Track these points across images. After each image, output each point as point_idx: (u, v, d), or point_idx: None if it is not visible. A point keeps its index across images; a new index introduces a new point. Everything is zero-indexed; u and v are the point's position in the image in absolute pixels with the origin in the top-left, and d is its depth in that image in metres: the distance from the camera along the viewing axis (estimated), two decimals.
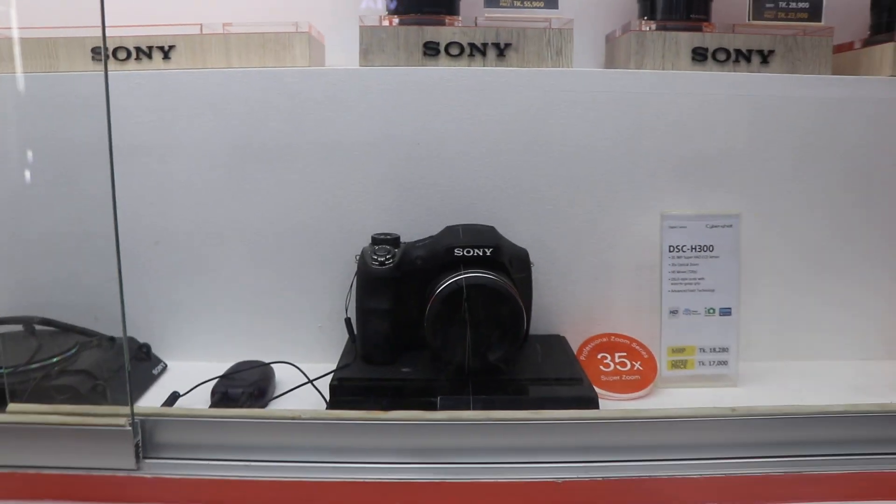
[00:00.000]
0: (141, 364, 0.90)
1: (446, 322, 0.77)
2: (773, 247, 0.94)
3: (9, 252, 0.93)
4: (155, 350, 0.93)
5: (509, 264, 0.82)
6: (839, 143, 0.93)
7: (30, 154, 0.91)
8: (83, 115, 0.90)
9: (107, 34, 0.90)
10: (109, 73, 0.90)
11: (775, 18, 0.95)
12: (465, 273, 0.77)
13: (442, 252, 0.81)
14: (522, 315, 0.77)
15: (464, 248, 0.81)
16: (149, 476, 0.67)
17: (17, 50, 0.93)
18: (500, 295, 0.76)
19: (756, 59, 0.94)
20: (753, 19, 0.95)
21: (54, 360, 0.83)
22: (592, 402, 0.76)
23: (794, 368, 0.93)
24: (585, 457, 0.68)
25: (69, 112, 0.90)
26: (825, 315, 0.95)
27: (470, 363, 0.77)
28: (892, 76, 0.93)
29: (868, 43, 0.99)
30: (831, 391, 0.87)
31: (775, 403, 0.78)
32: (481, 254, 0.81)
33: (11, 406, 0.72)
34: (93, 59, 0.92)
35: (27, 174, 0.91)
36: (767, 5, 0.95)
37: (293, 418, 0.69)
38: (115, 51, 0.92)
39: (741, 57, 0.94)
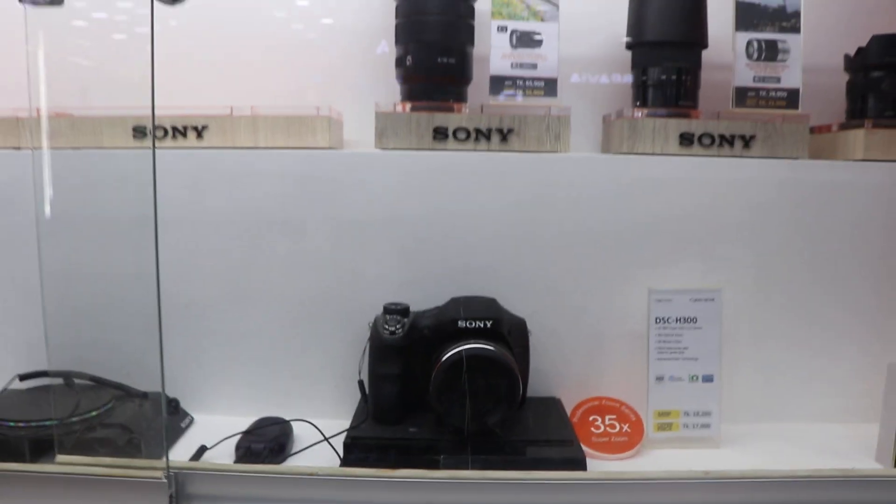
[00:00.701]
0: (170, 417, 0.98)
1: (449, 389, 0.85)
2: (755, 317, 1.02)
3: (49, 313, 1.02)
4: (183, 404, 1.01)
5: (508, 334, 0.90)
6: (814, 222, 1.01)
7: (78, 223, 1.00)
8: (123, 189, 0.99)
9: (146, 115, 1.00)
10: (148, 151, 1.01)
11: (756, 106, 1.04)
12: (466, 344, 0.86)
13: (447, 323, 0.90)
14: (519, 384, 0.85)
15: (467, 320, 0.89)
16: None
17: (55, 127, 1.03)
18: (499, 365, 0.84)
19: (738, 144, 1.02)
20: (736, 107, 1.03)
21: (93, 413, 0.91)
22: (580, 464, 0.84)
23: (774, 431, 1.00)
24: None
25: (111, 185, 1.00)
26: (804, 381, 1.02)
27: (470, 426, 0.84)
28: (862, 160, 1.01)
29: (843, 127, 1.07)
30: (808, 453, 0.94)
31: (754, 464, 0.87)
32: (482, 326, 0.89)
33: (60, 457, 0.80)
34: (133, 136, 1.01)
35: (74, 242, 1.00)
36: (749, 94, 1.03)
37: (310, 474, 0.77)
38: (153, 129, 1.01)
39: (725, 141, 1.02)
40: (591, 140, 1.14)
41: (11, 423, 0.88)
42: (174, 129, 1.01)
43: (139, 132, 1.01)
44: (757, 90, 1.03)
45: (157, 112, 1.01)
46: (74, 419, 0.90)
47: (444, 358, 0.85)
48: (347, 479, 0.77)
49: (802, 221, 1.02)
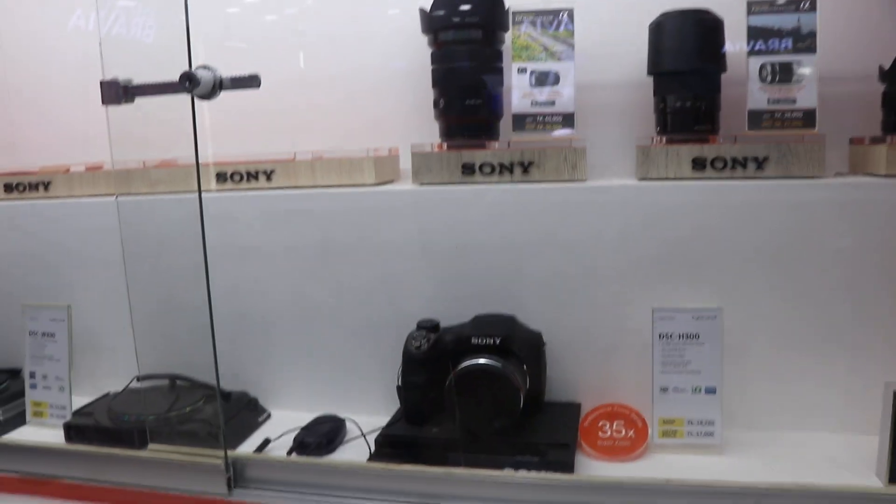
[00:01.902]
0: (250, 413, 1.19)
1: (459, 397, 0.99)
2: (765, 331, 1.07)
3: (164, 330, 1.25)
4: (262, 402, 1.22)
5: (518, 349, 1.03)
6: (825, 241, 1.04)
7: (172, 255, 1.22)
8: (212, 226, 1.20)
9: (224, 161, 1.20)
10: (228, 193, 1.21)
11: (772, 128, 1.08)
12: (476, 359, 0.99)
13: (464, 339, 1.03)
14: (518, 394, 0.98)
15: (479, 337, 1.02)
16: (236, 500, 0.95)
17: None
18: (499, 378, 0.98)
19: (752, 165, 1.07)
20: (751, 129, 1.08)
21: (187, 409, 1.13)
22: (568, 467, 0.95)
23: (778, 439, 1.05)
24: None
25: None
26: (808, 391, 1.06)
27: (476, 430, 0.98)
28: (886, 175, 1.03)
29: (874, 140, 1.09)
30: (808, 463, 0.99)
31: (754, 471, 0.95)
32: (492, 342, 1.02)
33: (151, 445, 1.02)
34: (217, 181, 1.22)
35: (168, 271, 1.22)
36: (764, 116, 1.08)
37: (335, 466, 0.95)
38: (231, 174, 1.22)
39: (737, 164, 1.08)
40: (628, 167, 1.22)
41: (125, 417, 1.12)
42: (248, 173, 1.21)
43: (221, 177, 1.21)
44: (772, 112, 1.07)
45: (234, 160, 1.22)
46: (172, 413, 1.12)
47: (454, 371, 0.99)
48: (365, 472, 0.93)
49: (815, 240, 1.05)
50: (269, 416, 1.22)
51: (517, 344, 1.03)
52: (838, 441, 1.04)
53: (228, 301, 1.15)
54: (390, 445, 1.03)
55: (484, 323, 1.05)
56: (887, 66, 1.09)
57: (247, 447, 1.11)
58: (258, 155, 1.21)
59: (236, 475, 0.97)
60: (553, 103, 1.13)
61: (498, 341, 1.02)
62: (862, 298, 1.04)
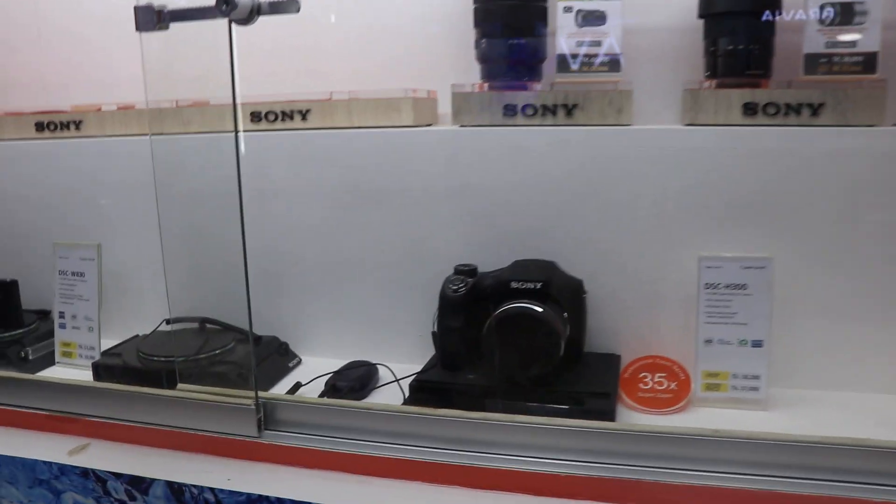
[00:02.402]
0: (280, 358, 1.17)
1: (498, 342, 0.96)
2: (812, 283, 1.03)
3: (194, 273, 1.23)
4: (293, 347, 1.20)
5: (559, 294, 1.00)
6: (882, 192, 1.00)
7: (205, 197, 1.20)
8: (245, 166, 1.17)
9: (260, 100, 1.18)
10: (262, 133, 1.18)
11: (829, 73, 1.03)
12: (514, 303, 0.96)
13: (503, 283, 1.00)
14: (559, 341, 0.94)
15: (520, 281, 0.99)
16: (266, 443, 0.93)
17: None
18: (540, 322, 0.94)
19: (806, 112, 1.03)
20: (806, 74, 1.03)
21: (217, 351, 1.11)
22: (609, 415, 0.92)
23: (825, 398, 1.02)
24: (587, 458, 0.84)
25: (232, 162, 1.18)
26: (858, 349, 1.03)
27: (514, 376, 0.95)
28: None
29: None
30: (857, 422, 0.96)
31: (798, 428, 0.90)
32: (533, 287, 0.98)
33: (180, 385, 1.00)
34: (251, 120, 1.19)
35: (200, 212, 1.20)
36: (821, 60, 1.03)
37: (368, 409, 0.92)
38: (266, 114, 1.18)
39: (791, 110, 1.03)
40: (669, 111, 1.17)
41: (154, 358, 1.10)
42: (283, 113, 1.18)
43: (255, 117, 1.18)
44: (829, 56, 1.02)
45: (269, 100, 1.19)
46: (202, 356, 1.10)
47: (493, 314, 0.96)
48: (401, 415, 0.91)
49: (873, 193, 1.01)
50: (299, 361, 1.20)
51: (558, 290, 1.00)
52: (886, 402, 1.00)
53: (260, 244, 1.12)
54: (425, 391, 1.01)
55: (524, 267, 1.02)
56: None
57: (277, 391, 1.09)
58: (293, 95, 1.18)
59: (266, 417, 0.94)
60: (599, 44, 1.08)
61: (539, 286, 0.98)
62: None
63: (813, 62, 1.03)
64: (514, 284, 0.99)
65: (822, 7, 1.02)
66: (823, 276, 1.03)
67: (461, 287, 1.03)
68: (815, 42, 1.03)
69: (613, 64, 1.08)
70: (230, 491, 0.86)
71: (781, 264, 0.99)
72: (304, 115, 1.18)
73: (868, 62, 1.02)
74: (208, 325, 1.18)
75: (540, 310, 0.95)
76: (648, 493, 0.82)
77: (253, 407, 0.93)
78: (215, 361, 1.09)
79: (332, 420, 0.93)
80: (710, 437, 0.82)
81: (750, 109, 1.04)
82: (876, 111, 1.01)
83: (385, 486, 0.87)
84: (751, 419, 0.98)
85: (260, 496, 0.85)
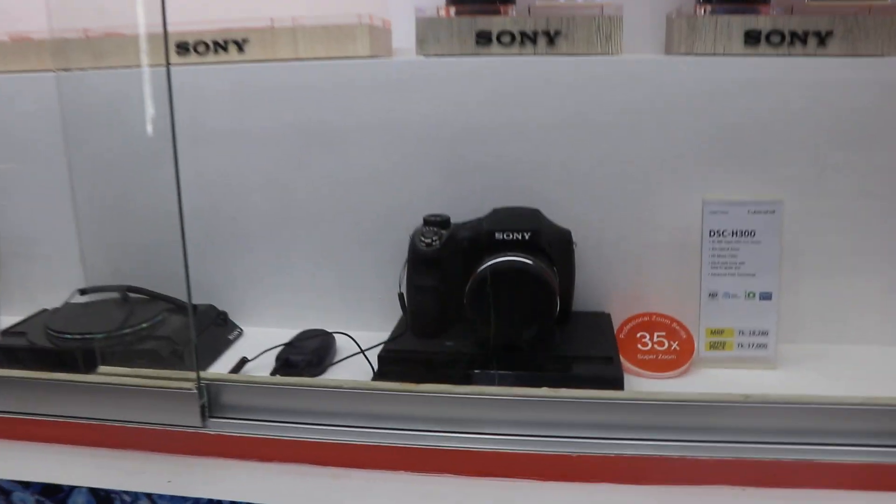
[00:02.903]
0: (219, 329, 1.01)
1: (483, 302, 0.82)
2: (820, 231, 0.94)
3: (113, 234, 1.05)
4: (232, 317, 1.04)
5: (548, 246, 0.87)
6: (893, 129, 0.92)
7: (125, 143, 1.02)
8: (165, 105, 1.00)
9: (187, 30, 1.00)
10: (192, 66, 1.01)
11: None
12: (502, 256, 0.83)
13: (485, 235, 0.87)
14: (555, 298, 0.82)
15: (504, 231, 0.86)
16: (212, 433, 0.77)
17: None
18: (533, 278, 0.81)
19: (813, 42, 0.93)
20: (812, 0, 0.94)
21: (144, 325, 0.94)
22: (617, 382, 0.80)
23: (835, 352, 0.94)
24: (601, 433, 0.72)
25: (158, 101, 1.01)
26: (869, 300, 0.95)
27: (500, 341, 0.82)
28: None
29: None
30: (870, 377, 0.88)
31: (811, 387, 0.82)
32: (520, 237, 0.85)
33: (102, 368, 0.83)
34: (177, 53, 1.01)
35: (120, 161, 1.02)
36: None
37: (336, 387, 0.77)
38: (195, 45, 1.01)
39: (796, 39, 0.93)
40: (655, 41, 1.06)
41: (68, 336, 0.92)
42: (216, 43, 1.01)
43: (182, 48, 1.00)
44: None
45: (198, 27, 1.01)
46: (126, 331, 0.93)
47: (479, 270, 0.83)
48: (370, 393, 0.76)
49: (886, 127, 0.92)
50: (240, 333, 1.04)
51: (547, 240, 0.87)
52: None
53: (191, 198, 0.94)
54: (397, 362, 0.87)
55: (507, 216, 0.89)
56: None
57: (218, 370, 0.93)
58: (228, 22, 1.00)
59: (211, 402, 0.78)
60: None
61: (527, 236, 0.85)
62: None
63: None
64: (498, 235, 0.86)
65: None
66: (831, 221, 0.94)
67: (434, 240, 0.89)
68: None
69: None
70: (171, 496, 0.70)
71: (786, 207, 0.90)
72: (240, 45, 1.00)
73: None
74: (132, 295, 1.00)
75: (532, 263, 0.82)
76: (671, 469, 0.71)
77: (195, 391, 0.77)
78: (143, 337, 0.92)
79: (291, 402, 0.78)
80: (741, 403, 0.71)
81: (752, 38, 0.93)
82: (889, 39, 0.92)
83: (362, 480, 0.73)
84: (761, 379, 0.89)
85: (210, 501, 0.69)
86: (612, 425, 0.73)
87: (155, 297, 1.00)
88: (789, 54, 0.93)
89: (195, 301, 1.01)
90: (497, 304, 0.82)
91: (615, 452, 0.71)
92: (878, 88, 0.91)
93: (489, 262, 0.83)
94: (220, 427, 0.77)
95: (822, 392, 0.72)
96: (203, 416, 0.77)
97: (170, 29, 0.99)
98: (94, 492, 0.71)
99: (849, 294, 0.95)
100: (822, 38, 0.93)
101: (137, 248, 1.03)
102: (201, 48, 1.01)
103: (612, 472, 0.71)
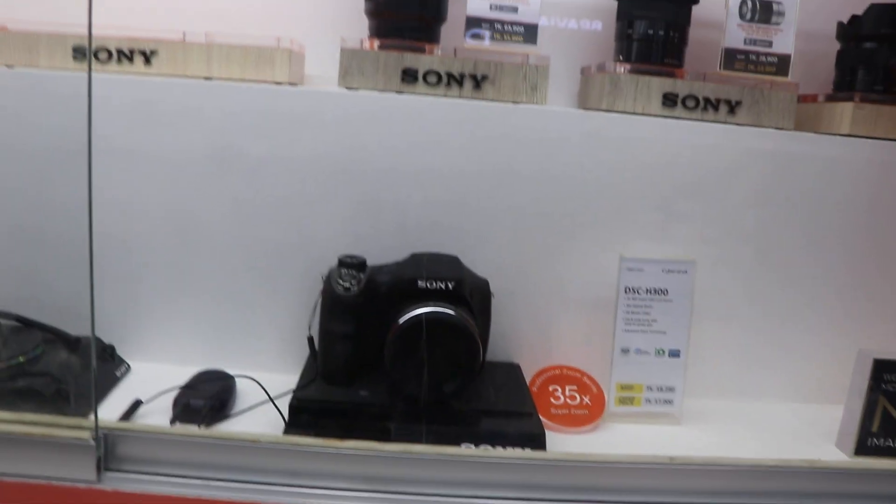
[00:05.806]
0: (105, 365, 0.91)
1: (405, 353, 0.80)
2: (724, 291, 0.98)
3: None
4: (119, 351, 0.95)
5: (470, 297, 0.85)
6: (794, 196, 0.97)
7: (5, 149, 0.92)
8: (59, 114, 0.90)
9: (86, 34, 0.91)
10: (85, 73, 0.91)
11: (745, 70, 0.98)
12: (426, 307, 0.80)
13: (407, 281, 0.84)
14: (479, 352, 0.80)
15: (427, 280, 0.83)
16: (109, 489, 0.70)
17: None
18: (459, 331, 0.79)
19: (724, 109, 0.97)
20: (724, 69, 0.98)
21: (20, 360, 0.84)
22: (539, 439, 0.80)
23: (736, 408, 0.97)
24: (529, 494, 0.71)
25: (46, 110, 0.91)
26: (769, 358, 1.00)
27: (425, 394, 0.80)
28: (848, 135, 0.97)
29: (830, 98, 1.03)
30: (767, 434, 0.92)
31: (714, 443, 0.86)
32: (443, 287, 0.83)
33: None
34: (73, 58, 0.92)
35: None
36: (738, 56, 0.98)
37: (252, 441, 0.72)
38: (96, 51, 0.92)
39: (709, 105, 0.97)
40: (566, 93, 1.07)
41: None
42: (119, 52, 0.92)
43: (80, 53, 0.91)
44: (747, 53, 0.98)
45: (102, 33, 0.93)
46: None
47: (402, 320, 0.80)
48: (291, 449, 0.72)
49: (782, 194, 0.98)
50: (128, 368, 0.95)
51: (468, 290, 0.85)
52: (800, 412, 0.99)
53: (76, 218, 0.85)
54: (310, 412, 0.82)
55: (429, 263, 0.86)
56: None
57: (106, 411, 0.84)
58: (135, 30, 0.92)
59: (106, 453, 0.71)
60: (515, 10, 0.94)
61: (451, 286, 0.83)
62: (831, 262, 0.99)
63: (731, 57, 0.98)
64: (421, 283, 0.83)
65: (742, 2, 0.97)
66: (734, 281, 0.99)
67: (353, 284, 0.85)
68: (734, 37, 0.98)
69: (530, 34, 0.95)
70: None
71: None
72: (147, 57, 0.92)
73: (782, 64, 0.99)
74: (3, 322, 0.89)
75: (457, 315, 0.80)
76: None
77: (91, 441, 0.69)
78: (19, 373, 0.82)
79: (198, 455, 0.72)
80: (668, 465, 0.73)
81: (669, 100, 0.97)
82: (787, 115, 0.98)
83: None
84: (666, 435, 0.91)
85: None
86: (535, 485, 0.72)
87: (32, 325, 0.89)
88: (702, 119, 0.97)
89: (73, 332, 0.93)
90: (417, 356, 0.79)
91: None
92: (776, 158, 0.97)
93: (414, 313, 0.80)
94: (117, 482, 0.70)
95: (724, 449, 0.75)
96: (99, 470, 0.70)
97: (68, 31, 0.91)
98: None
99: (750, 353, 1.00)
100: (733, 107, 0.97)
101: (14, 270, 0.92)
102: (102, 55, 0.92)
103: None
